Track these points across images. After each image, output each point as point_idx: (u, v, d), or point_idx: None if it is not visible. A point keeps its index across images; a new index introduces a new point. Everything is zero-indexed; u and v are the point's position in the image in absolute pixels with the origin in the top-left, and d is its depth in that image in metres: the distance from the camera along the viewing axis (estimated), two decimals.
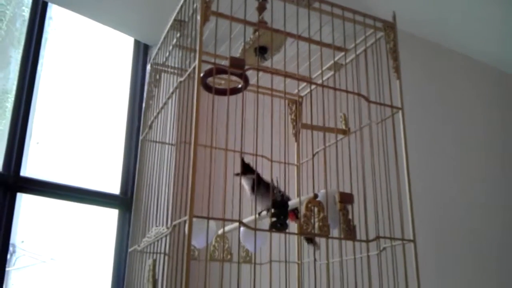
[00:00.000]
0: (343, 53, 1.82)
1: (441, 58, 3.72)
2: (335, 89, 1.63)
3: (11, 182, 2.42)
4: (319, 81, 1.73)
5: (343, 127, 1.81)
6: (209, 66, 1.49)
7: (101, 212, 2.84)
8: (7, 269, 2.44)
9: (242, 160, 1.72)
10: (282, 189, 1.57)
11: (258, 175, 1.71)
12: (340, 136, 1.77)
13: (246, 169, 1.75)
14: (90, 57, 3.11)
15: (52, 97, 2.91)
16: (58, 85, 2.96)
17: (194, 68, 1.38)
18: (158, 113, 1.77)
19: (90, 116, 3.02)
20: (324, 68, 1.82)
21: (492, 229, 3.49)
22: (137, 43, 3.14)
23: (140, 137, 1.99)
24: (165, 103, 1.69)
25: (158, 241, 1.51)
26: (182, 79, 1.51)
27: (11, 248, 2.66)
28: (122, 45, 3.14)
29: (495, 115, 3.89)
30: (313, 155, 1.73)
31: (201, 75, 1.41)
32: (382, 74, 1.72)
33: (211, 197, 1.43)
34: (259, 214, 1.66)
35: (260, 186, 1.72)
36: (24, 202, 2.69)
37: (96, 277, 2.86)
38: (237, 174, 1.71)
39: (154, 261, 1.49)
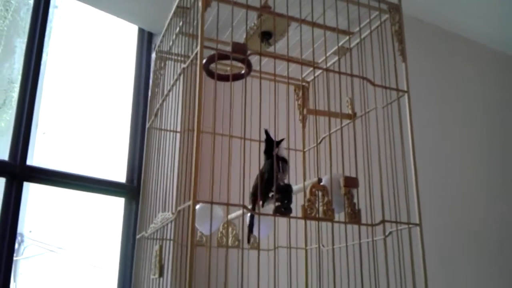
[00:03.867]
0: (347, 37, 1.81)
1: (445, 42, 3.69)
2: (339, 73, 1.62)
3: (18, 171, 2.42)
4: (324, 66, 1.72)
5: (349, 111, 1.80)
6: (212, 52, 1.49)
7: (107, 201, 2.85)
8: (15, 258, 2.44)
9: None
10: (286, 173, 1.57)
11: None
12: (346, 121, 1.76)
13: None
14: (95, 46, 3.11)
15: (57, 87, 2.91)
16: (64, 74, 2.96)
17: (196, 54, 1.38)
18: (163, 101, 1.77)
19: (95, 105, 3.02)
20: (329, 53, 1.81)
21: (498, 210, 3.48)
22: (141, 31, 3.13)
23: (147, 125, 1.99)
24: (170, 90, 1.69)
25: (164, 227, 1.52)
26: (185, 65, 1.51)
27: (19, 238, 2.68)
28: (127, 34, 3.14)
29: (499, 98, 3.86)
30: (319, 142, 1.72)
31: (204, 61, 1.41)
32: (388, 58, 1.71)
33: (216, 183, 1.43)
34: (263, 204, 1.66)
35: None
36: (32, 192, 2.70)
37: (103, 265, 2.88)
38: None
39: (161, 246, 1.50)
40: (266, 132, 1.65)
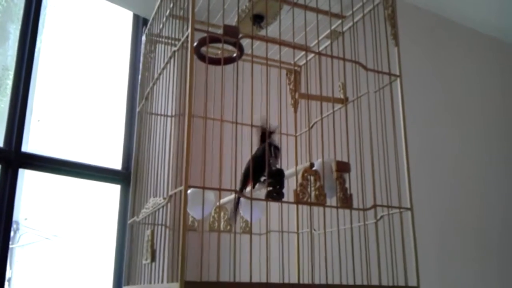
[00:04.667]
0: (340, 21, 1.79)
1: (440, 28, 3.67)
2: (332, 56, 1.61)
3: (13, 158, 2.41)
4: (317, 50, 1.71)
5: (341, 96, 1.79)
6: (203, 35, 1.48)
7: (103, 188, 2.85)
8: (10, 246, 2.45)
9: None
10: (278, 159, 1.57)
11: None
12: (338, 106, 1.76)
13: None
14: (90, 33, 3.09)
15: (52, 74, 2.90)
16: (58, 61, 2.95)
17: (187, 37, 1.37)
18: (153, 84, 1.76)
19: (90, 92, 3.01)
20: (321, 36, 1.80)
21: (492, 194, 3.48)
22: (136, 17, 3.12)
23: (137, 109, 1.98)
24: (160, 74, 1.68)
25: (156, 211, 1.51)
26: (175, 48, 1.50)
27: (14, 225, 2.68)
28: (121, 19, 3.12)
29: (494, 85, 3.85)
30: (311, 127, 1.71)
31: (195, 44, 1.40)
32: (381, 42, 1.70)
33: (208, 168, 1.42)
34: (254, 186, 1.66)
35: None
36: (27, 179, 2.70)
37: (99, 252, 2.88)
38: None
39: (152, 231, 1.49)
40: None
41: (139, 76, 2.01)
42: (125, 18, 3.11)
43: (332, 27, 1.78)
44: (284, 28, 1.64)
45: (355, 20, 1.78)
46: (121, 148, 2.89)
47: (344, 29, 1.80)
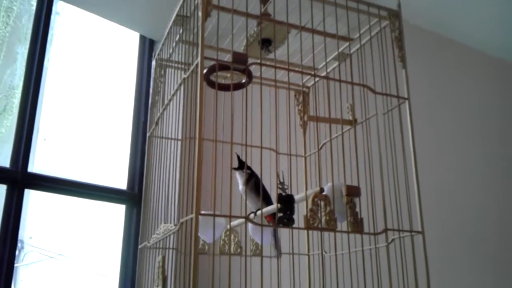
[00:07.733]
0: (347, 44, 1.80)
1: (445, 50, 3.68)
2: (340, 81, 1.61)
3: (19, 178, 2.41)
4: (324, 73, 1.71)
5: (350, 118, 1.79)
6: (212, 63, 1.48)
7: (108, 208, 2.84)
8: (15, 265, 2.44)
9: (238, 157, 1.71)
10: (287, 183, 1.56)
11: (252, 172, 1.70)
12: (346, 128, 1.76)
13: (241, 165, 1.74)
14: (97, 53, 3.11)
15: (59, 93, 2.91)
16: (65, 81, 2.96)
17: (197, 64, 1.38)
18: (164, 109, 1.77)
19: (96, 112, 3.02)
20: (329, 59, 1.80)
21: (499, 217, 3.47)
22: (142, 39, 3.13)
23: (148, 134, 1.99)
24: (170, 100, 1.69)
25: (166, 237, 1.51)
26: (185, 75, 1.50)
27: (19, 244, 2.68)
28: (128, 41, 3.14)
29: (500, 105, 3.85)
30: (320, 148, 1.72)
31: (204, 71, 1.40)
32: (388, 64, 1.70)
33: (218, 193, 1.42)
34: (255, 213, 1.66)
35: (251, 182, 1.70)
36: (32, 198, 2.70)
37: (104, 272, 2.87)
38: (235, 169, 1.71)
39: (163, 257, 1.49)
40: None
41: (149, 101, 2.02)
42: (132, 39, 3.12)
43: (340, 50, 1.79)
44: (292, 51, 1.65)
45: (362, 43, 1.78)
46: (127, 167, 2.89)
47: (352, 51, 1.81)
